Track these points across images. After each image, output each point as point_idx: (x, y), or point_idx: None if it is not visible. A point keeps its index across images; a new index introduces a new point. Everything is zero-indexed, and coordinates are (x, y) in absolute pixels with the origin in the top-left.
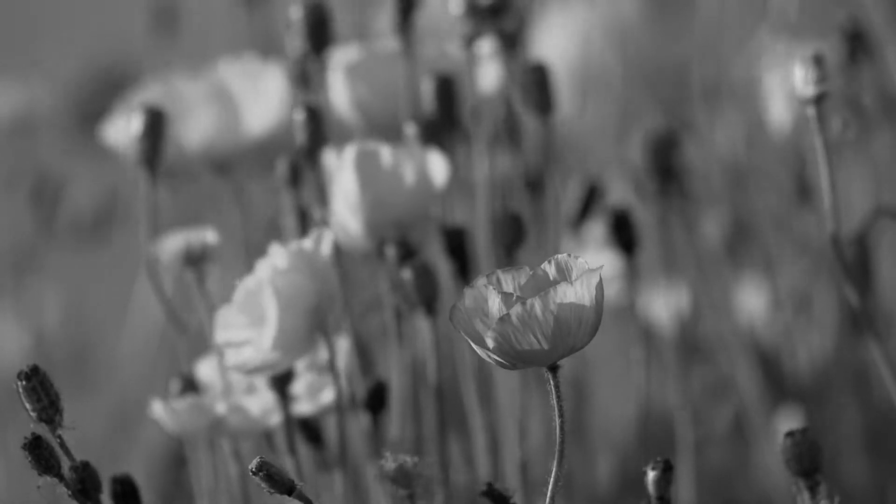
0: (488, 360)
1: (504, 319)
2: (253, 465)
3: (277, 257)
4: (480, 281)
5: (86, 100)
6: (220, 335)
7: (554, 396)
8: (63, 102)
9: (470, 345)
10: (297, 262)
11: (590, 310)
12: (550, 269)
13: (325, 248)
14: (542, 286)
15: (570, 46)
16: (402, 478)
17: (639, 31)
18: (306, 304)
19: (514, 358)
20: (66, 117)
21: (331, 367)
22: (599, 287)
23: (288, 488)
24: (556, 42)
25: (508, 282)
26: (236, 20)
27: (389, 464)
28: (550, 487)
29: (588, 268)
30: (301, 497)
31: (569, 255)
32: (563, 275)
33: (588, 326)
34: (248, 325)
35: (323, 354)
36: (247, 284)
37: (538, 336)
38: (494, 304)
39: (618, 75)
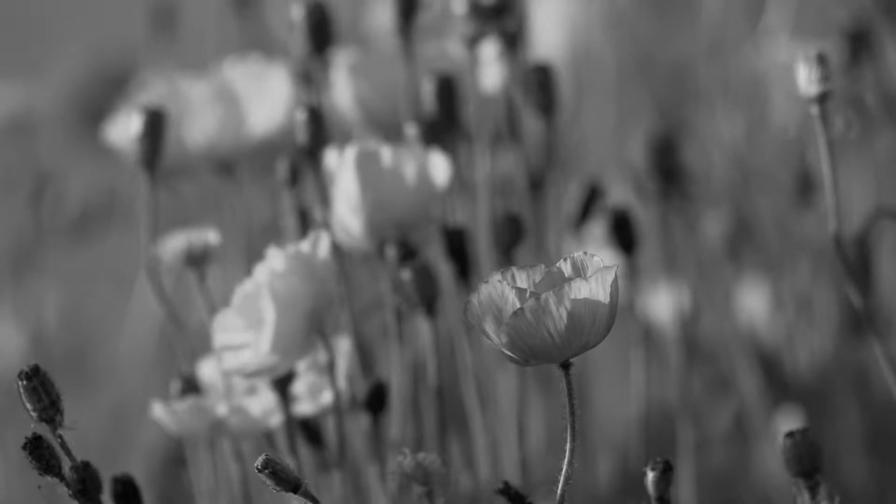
0: (502, 354)
1: (517, 314)
2: (258, 462)
3: (275, 260)
4: (495, 277)
5: (84, 99)
6: (219, 338)
7: (566, 394)
8: (61, 102)
9: (480, 346)
10: (295, 265)
11: (604, 306)
12: (566, 267)
13: (323, 251)
14: (558, 284)
15: (567, 42)
16: (420, 475)
17: (639, 30)
18: (304, 307)
19: (527, 353)
20: (65, 116)
21: (330, 369)
22: (614, 285)
23: (294, 486)
24: (551, 38)
25: (523, 279)
26: (236, 21)
27: (407, 460)
28: (561, 486)
29: (603, 265)
30: (306, 495)
31: (584, 252)
32: (579, 272)
33: (602, 323)
34: (247, 328)
35: (323, 355)
36: (245, 288)
37: (551, 331)
38: (508, 298)
39: (616, 75)
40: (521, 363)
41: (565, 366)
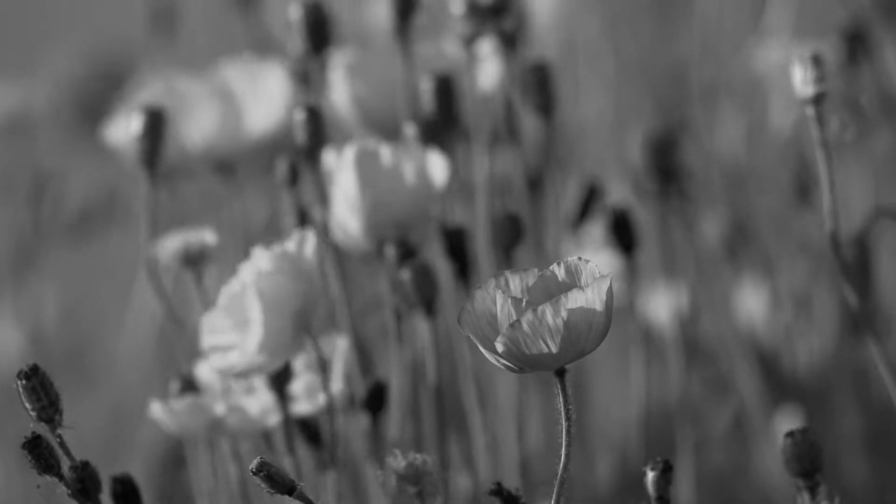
0: (496, 363)
1: (515, 326)
2: (253, 465)
3: (261, 260)
4: (490, 283)
5: (82, 98)
6: (207, 340)
7: (561, 400)
8: (59, 100)
9: (478, 348)
10: (281, 265)
11: (601, 315)
12: (559, 272)
13: (309, 250)
14: (551, 289)
15: (565, 41)
16: (411, 475)
17: (638, 29)
18: (291, 306)
19: (523, 362)
20: (63, 115)
21: (320, 368)
22: (610, 292)
23: (288, 488)
24: (549, 37)
25: (516, 283)
26: (235, 20)
27: (399, 461)
28: (556, 491)
29: (599, 273)
30: (301, 497)
31: (579, 257)
32: (573, 277)
33: (598, 330)
34: (234, 329)
35: (314, 355)
36: (231, 288)
37: (548, 342)
38: (504, 309)
39: (616, 74)
40: (515, 371)
41: (560, 372)
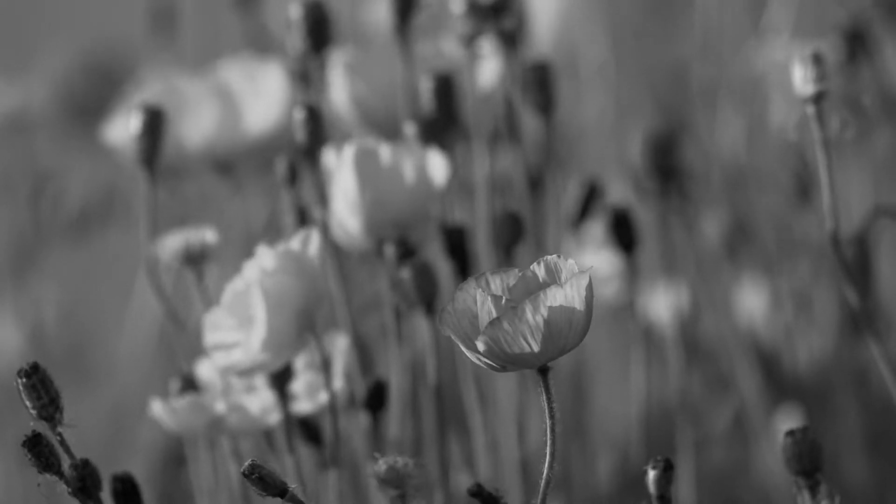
0: (478, 362)
1: (495, 323)
2: (244, 468)
3: (265, 258)
4: (470, 283)
5: (80, 97)
6: (210, 337)
7: (545, 398)
8: (57, 100)
9: (460, 348)
10: (285, 263)
11: (580, 312)
12: (540, 271)
13: (313, 249)
14: (532, 288)
15: (565, 41)
16: (393, 479)
17: (639, 29)
18: (295, 305)
19: (505, 361)
20: (61, 114)
21: (323, 367)
22: (589, 288)
23: (280, 490)
24: (550, 36)
25: (497, 283)
26: (234, 19)
27: (380, 465)
28: (542, 489)
29: (577, 269)
30: (294, 499)
31: (558, 255)
32: (553, 276)
33: (578, 328)
34: (237, 327)
35: (316, 355)
36: (234, 286)
37: (529, 339)
38: (484, 307)
39: (616, 74)
40: (498, 370)
41: (543, 370)
